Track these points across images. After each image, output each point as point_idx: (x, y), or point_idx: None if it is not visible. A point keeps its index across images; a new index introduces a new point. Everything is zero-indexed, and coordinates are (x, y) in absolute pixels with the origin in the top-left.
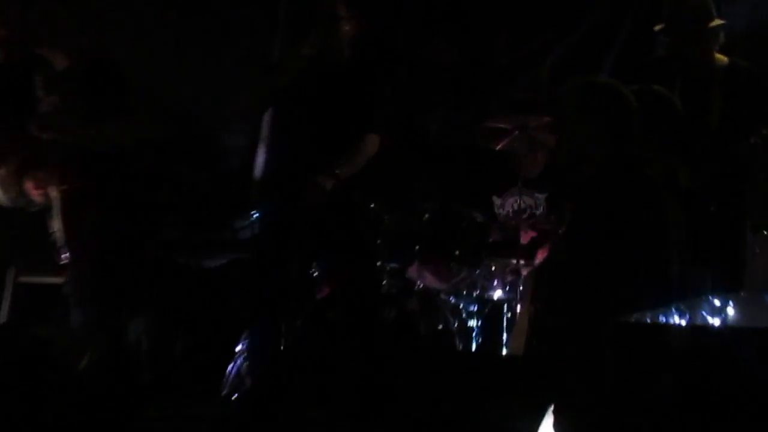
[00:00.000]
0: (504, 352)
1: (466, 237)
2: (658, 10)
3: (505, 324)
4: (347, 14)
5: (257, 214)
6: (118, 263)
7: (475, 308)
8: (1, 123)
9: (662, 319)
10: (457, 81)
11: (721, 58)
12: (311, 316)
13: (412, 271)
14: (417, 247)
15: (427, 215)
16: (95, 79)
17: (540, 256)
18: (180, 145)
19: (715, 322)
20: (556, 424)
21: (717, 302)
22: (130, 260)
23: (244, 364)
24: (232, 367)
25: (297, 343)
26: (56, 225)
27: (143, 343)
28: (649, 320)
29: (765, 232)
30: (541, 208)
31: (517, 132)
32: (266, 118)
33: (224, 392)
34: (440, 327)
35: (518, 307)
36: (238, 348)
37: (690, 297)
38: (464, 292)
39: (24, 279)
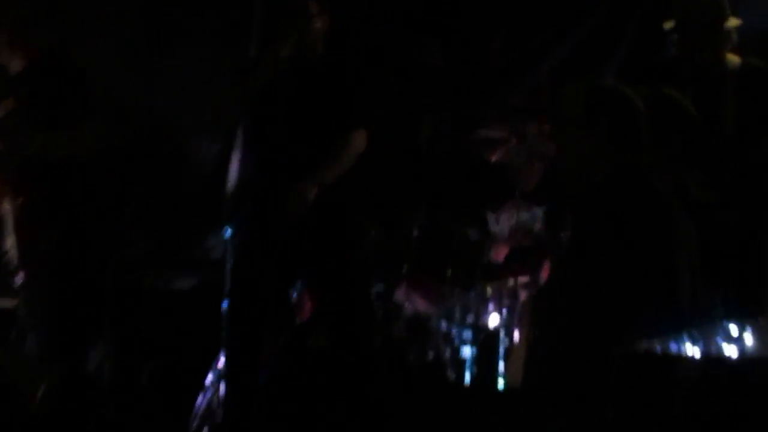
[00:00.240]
0: (501, 384)
1: (459, 256)
2: (668, 6)
3: (501, 353)
4: (319, 10)
5: (231, 230)
6: (77, 284)
7: (469, 335)
8: None
9: (673, 347)
10: (448, 84)
11: (733, 58)
12: (290, 344)
13: (400, 294)
14: (404, 267)
15: (415, 232)
16: (54, 81)
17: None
18: (145, 154)
19: (732, 351)
20: None
21: (734, 329)
22: (90, 281)
23: (215, 396)
24: (202, 399)
25: (275, 374)
26: (9, 243)
27: (105, 372)
28: (659, 349)
29: None
30: (539, 223)
31: (514, 141)
32: (240, 123)
33: (193, 425)
34: (431, 356)
35: (516, 334)
36: (209, 378)
37: (704, 323)
38: (457, 318)
39: None
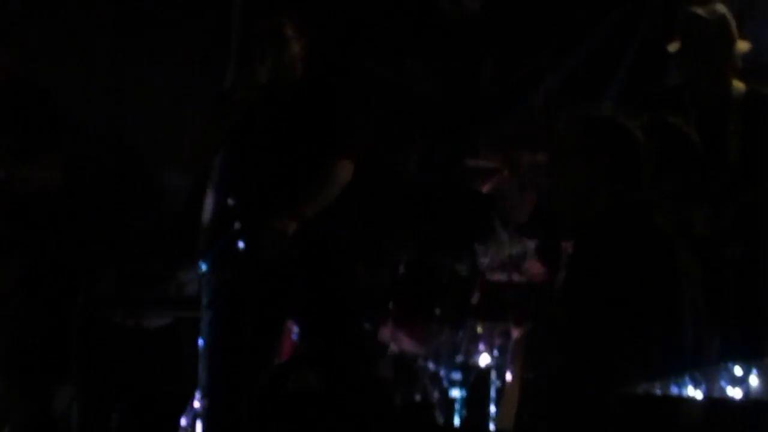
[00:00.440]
0: (491, 427)
1: (448, 293)
2: (670, 32)
3: (492, 394)
4: (296, 34)
5: (206, 266)
6: (45, 322)
7: (459, 376)
8: None
9: (675, 389)
10: (436, 113)
11: (739, 84)
12: (270, 385)
13: (385, 333)
14: (390, 305)
15: (402, 267)
16: (20, 109)
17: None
18: (116, 185)
19: (736, 393)
20: None
21: (738, 370)
22: (57, 318)
23: None
24: None
25: (254, 416)
26: None
27: (73, 414)
28: (659, 391)
29: None
30: (530, 257)
31: (505, 171)
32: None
33: None
34: (418, 398)
35: (508, 374)
36: (183, 420)
37: (707, 364)
38: (446, 358)
39: None
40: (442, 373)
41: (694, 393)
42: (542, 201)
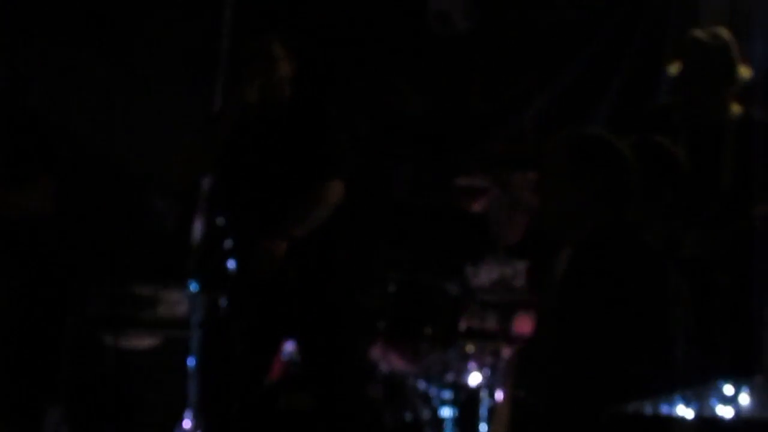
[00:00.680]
0: None
1: (438, 313)
2: (659, 52)
3: (483, 414)
4: (284, 54)
5: (196, 285)
6: (34, 342)
7: (449, 395)
8: None
9: (665, 409)
10: (426, 131)
11: (735, 107)
12: (260, 404)
13: (376, 352)
14: (381, 324)
15: (392, 287)
16: (13, 133)
17: (522, 323)
18: (106, 206)
19: (727, 412)
20: None
21: (728, 389)
22: (47, 339)
23: None
24: None
25: None
26: None
27: None
28: (650, 410)
29: None
30: (521, 278)
31: (496, 190)
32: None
33: None
34: (408, 417)
35: (499, 394)
36: None
37: (697, 383)
38: (436, 377)
39: None
40: (433, 392)
41: (685, 412)
42: (533, 220)
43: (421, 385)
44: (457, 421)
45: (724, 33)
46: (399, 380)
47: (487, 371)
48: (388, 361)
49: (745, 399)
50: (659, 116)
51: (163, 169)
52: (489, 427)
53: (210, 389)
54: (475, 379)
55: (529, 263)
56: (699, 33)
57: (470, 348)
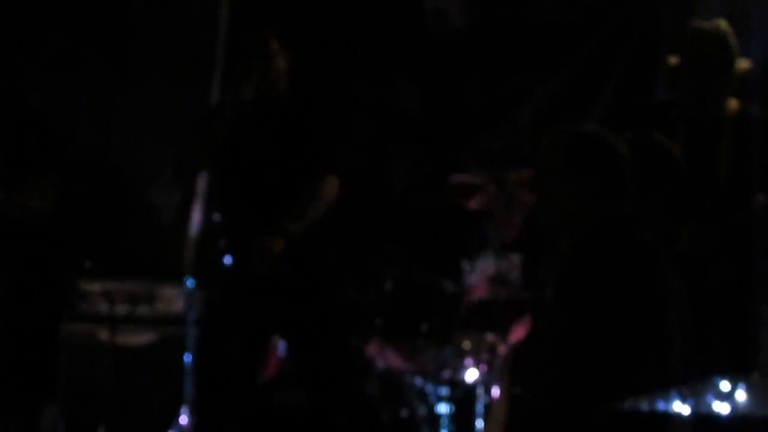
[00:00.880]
0: None
1: (434, 309)
2: (656, 49)
3: (480, 411)
4: (280, 49)
5: (192, 282)
6: (31, 339)
7: (446, 392)
8: None
9: (661, 405)
10: (422, 128)
11: (732, 102)
12: (256, 401)
13: (372, 349)
14: (377, 321)
15: (388, 284)
16: (13, 132)
17: (518, 331)
18: (103, 203)
19: (723, 409)
20: None
21: (725, 386)
22: (44, 336)
23: None
24: None
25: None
26: None
27: None
28: (646, 407)
29: None
30: (515, 272)
31: (492, 187)
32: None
33: None
34: (405, 414)
35: (495, 390)
36: None
37: (693, 380)
38: (432, 374)
39: None
40: (429, 389)
41: (681, 408)
42: (529, 217)
43: (418, 381)
44: (454, 417)
45: (723, 24)
46: (395, 377)
47: (484, 368)
48: (385, 358)
49: (741, 396)
50: (656, 113)
51: (160, 165)
52: (485, 424)
53: (206, 386)
54: (471, 375)
55: (524, 258)
56: (698, 23)
57: (467, 345)
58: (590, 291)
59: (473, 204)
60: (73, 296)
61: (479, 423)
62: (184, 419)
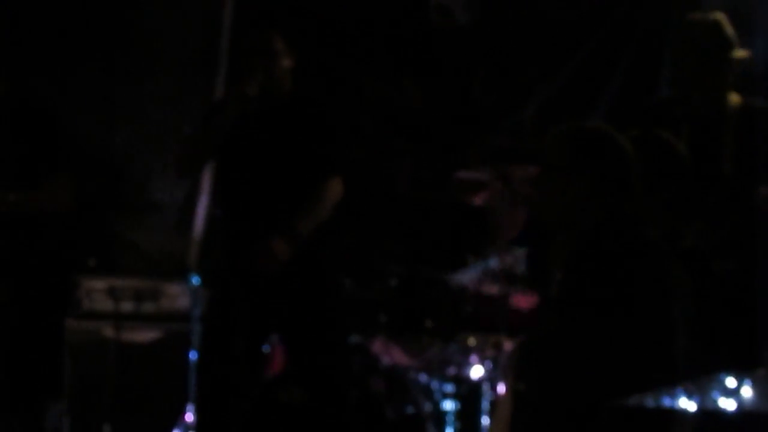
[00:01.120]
0: None
1: (439, 306)
2: (660, 47)
3: (485, 407)
4: (284, 48)
5: (197, 279)
6: (36, 337)
7: (451, 389)
8: None
9: (667, 402)
10: (427, 126)
11: (734, 97)
12: (261, 399)
13: (377, 346)
14: (382, 318)
15: (393, 281)
16: (27, 130)
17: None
18: (106, 200)
19: (729, 405)
20: None
21: (731, 382)
22: (49, 333)
23: None
24: None
25: (246, 429)
26: None
27: (64, 429)
28: (651, 403)
29: None
30: (522, 265)
31: (497, 184)
32: (207, 168)
33: None
34: (410, 411)
35: (500, 387)
36: None
37: (699, 376)
38: (438, 370)
39: None
40: (435, 385)
41: (687, 404)
42: (533, 214)
43: (423, 378)
44: (459, 414)
45: (719, 15)
46: (400, 374)
47: (489, 364)
48: (390, 354)
49: (747, 392)
50: (660, 110)
51: (163, 162)
52: (490, 421)
53: (210, 383)
54: (476, 372)
55: (530, 255)
56: (693, 15)
57: (472, 341)
58: (595, 288)
59: (478, 201)
60: (78, 293)
61: (484, 420)
62: (189, 416)
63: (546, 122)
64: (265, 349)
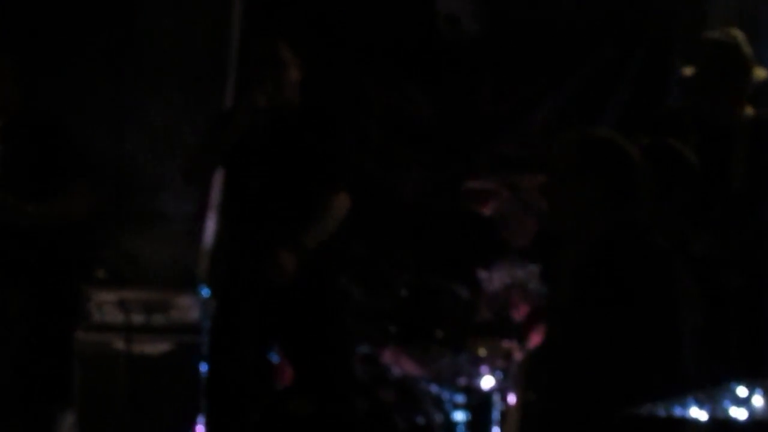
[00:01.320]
0: None
1: (449, 316)
2: (668, 55)
3: (496, 417)
4: (293, 59)
5: (207, 291)
6: (46, 348)
7: (462, 399)
8: None
9: (678, 411)
10: (435, 135)
11: (747, 109)
12: (270, 409)
13: (387, 356)
14: (392, 328)
15: (403, 291)
16: (42, 141)
17: (534, 338)
18: (116, 211)
19: (740, 414)
20: None
21: (742, 391)
22: (59, 345)
23: None
24: None
25: None
26: None
27: None
28: (663, 413)
29: None
30: (534, 281)
31: (506, 193)
32: (216, 180)
33: None
34: (420, 421)
35: (511, 397)
36: None
37: (710, 385)
38: (448, 380)
39: None
40: (445, 395)
41: (698, 414)
42: (543, 223)
43: (433, 388)
44: (470, 424)
45: (737, 33)
46: (411, 384)
47: (500, 374)
48: (400, 364)
49: (758, 401)
50: (670, 119)
51: (172, 172)
52: (501, 431)
53: (220, 395)
54: (487, 382)
55: (542, 267)
56: (712, 33)
57: (482, 351)
58: (604, 297)
59: (487, 210)
60: (89, 306)
61: (495, 430)
62: (200, 428)
63: (554, 131)
64: (275, 359)
